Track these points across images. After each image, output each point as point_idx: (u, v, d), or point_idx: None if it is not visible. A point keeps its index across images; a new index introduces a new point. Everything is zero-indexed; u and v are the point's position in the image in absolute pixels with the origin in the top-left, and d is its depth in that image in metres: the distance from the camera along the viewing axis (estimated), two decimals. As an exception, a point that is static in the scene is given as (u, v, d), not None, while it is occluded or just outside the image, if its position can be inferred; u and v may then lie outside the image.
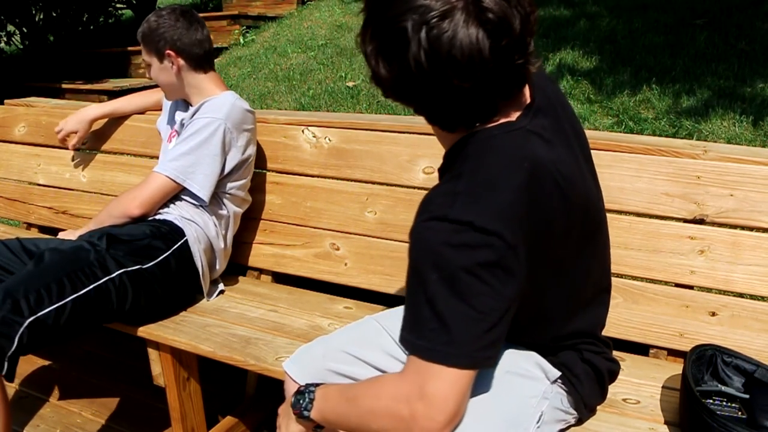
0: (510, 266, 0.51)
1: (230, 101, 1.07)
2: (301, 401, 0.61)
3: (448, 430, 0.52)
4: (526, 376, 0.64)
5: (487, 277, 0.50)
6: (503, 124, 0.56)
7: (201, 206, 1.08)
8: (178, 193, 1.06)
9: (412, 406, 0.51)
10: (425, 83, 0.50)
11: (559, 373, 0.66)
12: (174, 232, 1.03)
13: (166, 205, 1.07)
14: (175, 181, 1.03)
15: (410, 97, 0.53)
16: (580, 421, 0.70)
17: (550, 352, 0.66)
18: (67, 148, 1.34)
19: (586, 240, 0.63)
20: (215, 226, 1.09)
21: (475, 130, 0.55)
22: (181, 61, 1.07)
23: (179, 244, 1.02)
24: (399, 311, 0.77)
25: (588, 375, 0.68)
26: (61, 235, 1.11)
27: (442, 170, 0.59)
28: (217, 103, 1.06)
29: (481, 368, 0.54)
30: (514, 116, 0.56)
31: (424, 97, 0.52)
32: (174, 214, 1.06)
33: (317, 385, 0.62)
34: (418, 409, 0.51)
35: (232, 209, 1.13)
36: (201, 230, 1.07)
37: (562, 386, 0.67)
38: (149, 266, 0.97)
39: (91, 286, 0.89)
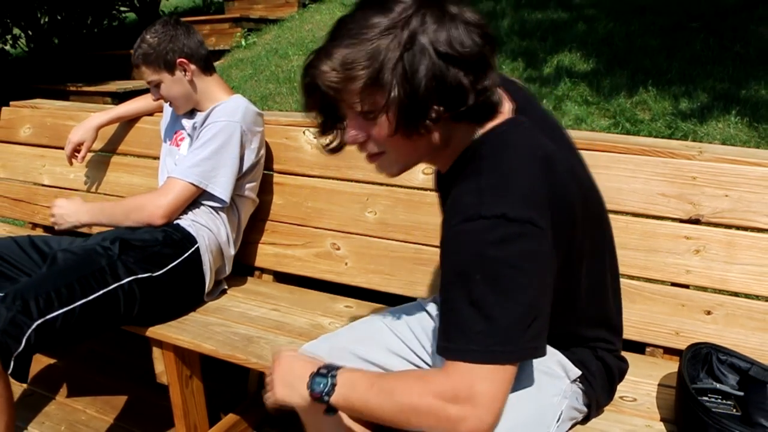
0: (546, 251, 0.52)
1: (243, 104, 1.09)
2: (321, 385, 0.56)
3: (493, 429, 0.51)
4: (550, 375, 0.64)
5: (529, 267, 0.51)
6: (509, 121, 0.57)
7: (216, 211, 1.08)
8: (195, 198, 1.06)
9: (461, 407, 0.50)
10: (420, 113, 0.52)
11: (579, 372, 0.66)
12: (186, 239, 1.03)
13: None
14: (198, 186, 1.03)
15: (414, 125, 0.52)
16: (586, 419, 0.71)
17: (569, 345, 0.66)
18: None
19: (600, 225, 0.65)
20: (227, 231, 1.10)
21: (484, 131, 0.57)
22: (193, 67, 1.08)
23: (190, 252, 1.03)
24: (403, 309, 0.79)
25: (600, 373, 0.69)
26: (56, 210, 1.06)
27: (454, 174, 0.59)
28: (231, 107, 1.08)
29: (533, 358, 0.54)
30: (511, 115, 0.59)
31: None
32: (188, 220, 1.06)
33: (337, 367, 0.58)
34: (467, 411, 0.50)
35: (243, 212, 1.14)
36: (213, 237, 1.07)
37: (580, 385, 0.67)
38: (159, 274, 0.97)
39: (101, 292, 0.89)
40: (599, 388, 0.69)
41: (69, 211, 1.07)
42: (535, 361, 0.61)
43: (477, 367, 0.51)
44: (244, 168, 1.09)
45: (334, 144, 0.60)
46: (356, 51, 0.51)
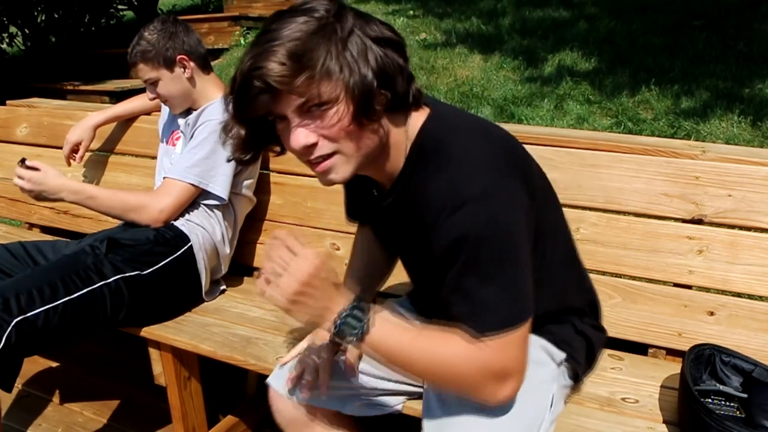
0: (528, 206, 0.56)
1: None
2: (355, 330, 0.52)
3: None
4: (536, 362, 0.65)
5: (519, 231, 0.55)
6: (430, 117, 0.59)
7: (212, 209, 1.07)
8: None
9: (500, 381, 0.54)
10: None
11: (564, 356, 0.69)
12: (178, 238, 1.02)
13: None
14: (197, 187, 1.03)
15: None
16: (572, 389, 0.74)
17: (551, 323, 0.68)
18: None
19: (553, 193, 0.68)
20: (222, 231, 1.09)
21: (415, 134, 0.58)
22: (193, 64, 1.08)
23: (182, 250, 1.01)
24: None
25: (583, 347, 0.71)
26: (32, 186, 0.97)
27: (406, 179, 0.60)
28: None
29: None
30: (426, 109, 0.60)
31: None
32: (181, 219, 1.05)
33: (367, 308, 0.53)
34: (504, 383, 0.54)
35: (239, 211, 1.13)
36: (208, 235, 1.06)
37: (566, 364, 0.70)
38: (148, 272, 0.96)
39: (85, 290, 0.88)
40: (583, 362, 0.72)
41: (48, 188, 0.98)
42: None
43: (508, 337, 0.53)
44: (240, 165, 1.09)
45: (249, 157, 0.59)
46: (300, 44, 0.50)
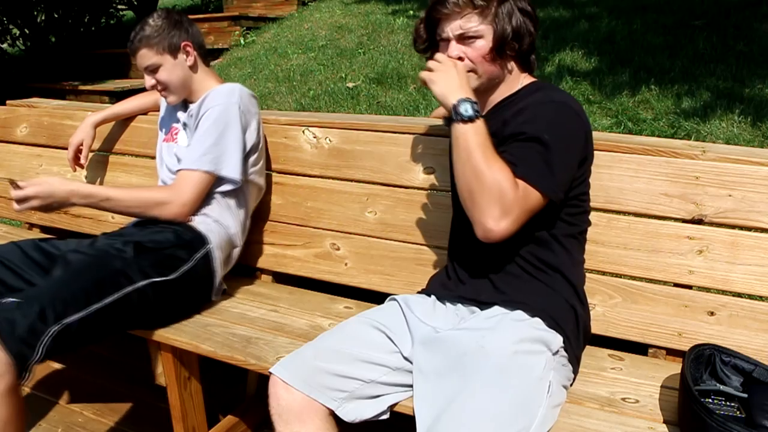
0: (585, 144, 0.82)
1: (237, 87, 1.09)
2: (465, 110, 0.74)
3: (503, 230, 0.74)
4: (530, 353, 0.71)
5: (572, 135, 0.80)
6: (537, 82, 0.85)
7: (225, 197, 1.06)
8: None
9: (504, 215, 0.73)
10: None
11: (561, 344, 0.75)
12: (197, 239, 1.02)
13: None
14: (212, 173, 1.03)
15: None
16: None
17: (552, 287, 0.80)
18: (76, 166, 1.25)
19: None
20: (235, 223, 1.09)
21: (528, 85, 0.84)
22: (195, 53, 1.09)
23: (201, 253, 1.02)
24: (382, 308, 0.84)
25: (573, 321, 0.79)
26: (40, 188, 0.93)
27: (508, 102, 0.83)
28: (226, 90, 1.07)
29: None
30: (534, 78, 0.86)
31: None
32: (200, 215, 1.05)
33: (477, 108, 0.75)
34: (504, 219, 0.73)
35: (249, 199, 1.13)
36: (223, 231, 1.06)
37: (563, 353, 0.75)
38: (172, 277, 0.96)
39: (117, 296, 0.88)
40: (578, 339, 0.79)
41: (58, 198, 0.95)
42: (514, 347, 0.70)
43: (530, 190, 0.74)
44: (247, 147, 1.09)
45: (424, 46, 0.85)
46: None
